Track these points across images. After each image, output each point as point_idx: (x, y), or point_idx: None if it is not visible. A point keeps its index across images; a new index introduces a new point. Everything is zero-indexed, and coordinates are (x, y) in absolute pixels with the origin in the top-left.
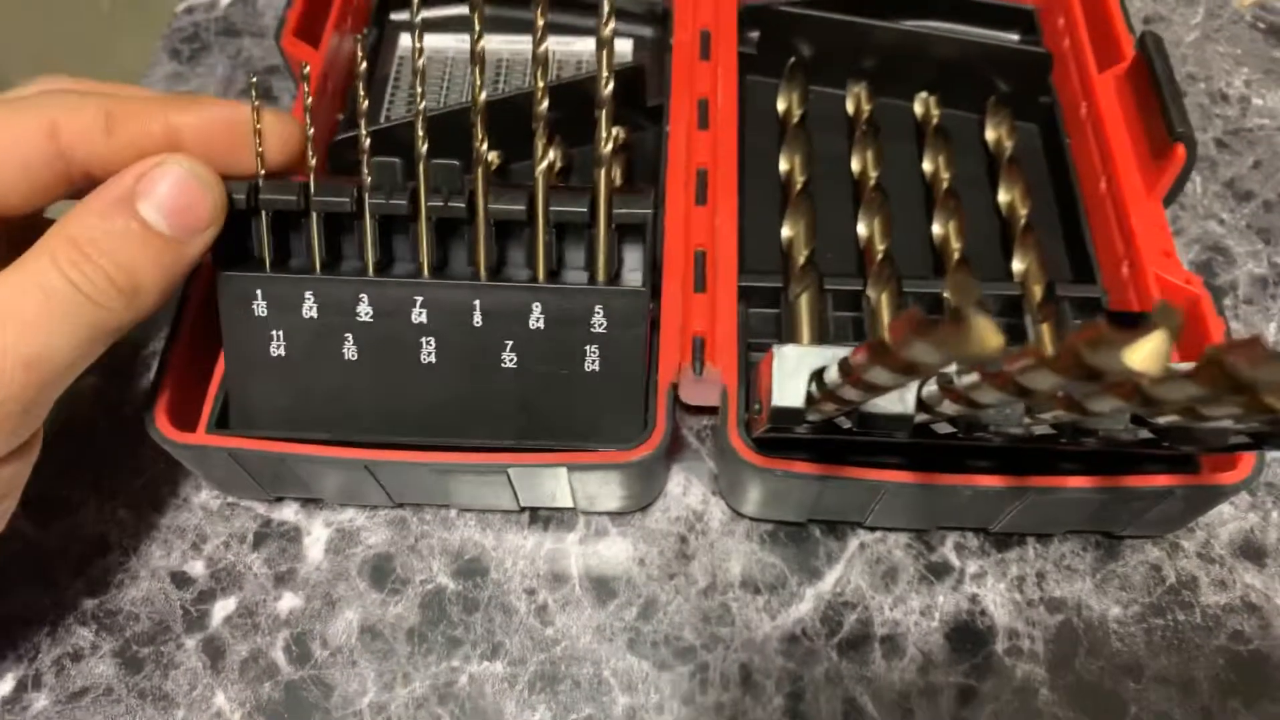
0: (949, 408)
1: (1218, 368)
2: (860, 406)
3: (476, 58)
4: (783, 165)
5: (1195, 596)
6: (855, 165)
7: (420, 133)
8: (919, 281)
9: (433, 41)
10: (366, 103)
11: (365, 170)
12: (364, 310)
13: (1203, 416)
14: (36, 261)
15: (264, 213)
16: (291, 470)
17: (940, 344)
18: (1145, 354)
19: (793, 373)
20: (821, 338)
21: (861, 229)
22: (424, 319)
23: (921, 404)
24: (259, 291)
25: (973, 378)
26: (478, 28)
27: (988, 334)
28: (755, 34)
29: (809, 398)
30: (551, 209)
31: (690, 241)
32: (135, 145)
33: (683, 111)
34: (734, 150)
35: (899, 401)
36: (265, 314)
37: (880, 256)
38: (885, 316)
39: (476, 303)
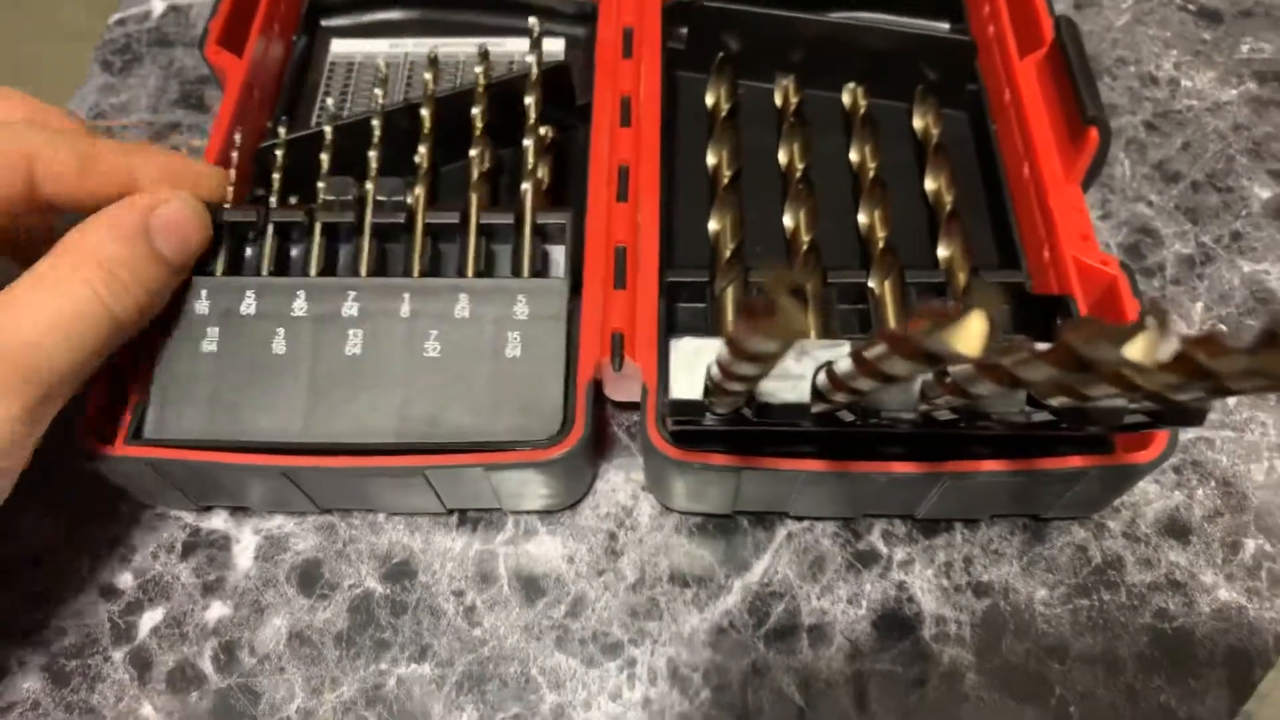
0: (840, 396)
1: (1066, 348)
2: (757, 397)
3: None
4: (710, 159)
5: (1121, 576)
6: (783, 157)
7: (374, 149)
8: (845, 272)
9: (364, 46)
10: (330, 132)
11: (321, 185)
12: (299, 306)
13: (1084, 396)
14: (68, 282)
15: (223, 228)
16: (215, 479)
17: (758, 332)
18: (965, 336)
19: (690, 365)
20: None
21: (788, 220)
22: (354, 312)
23: (817, 392)
24: (204, 291)
25: (846, 365)
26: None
27: (793, 321)
28: (684, 30)
29: (707, 389)
30: (482, 221)
31: (611, 238)
32: (104, 187)
33: (605, 109)
34: (656, 146)
35: (793, 390)
36: (206, 311)
37: (805, 248)
38: (810, 305)
39: (406, 295)
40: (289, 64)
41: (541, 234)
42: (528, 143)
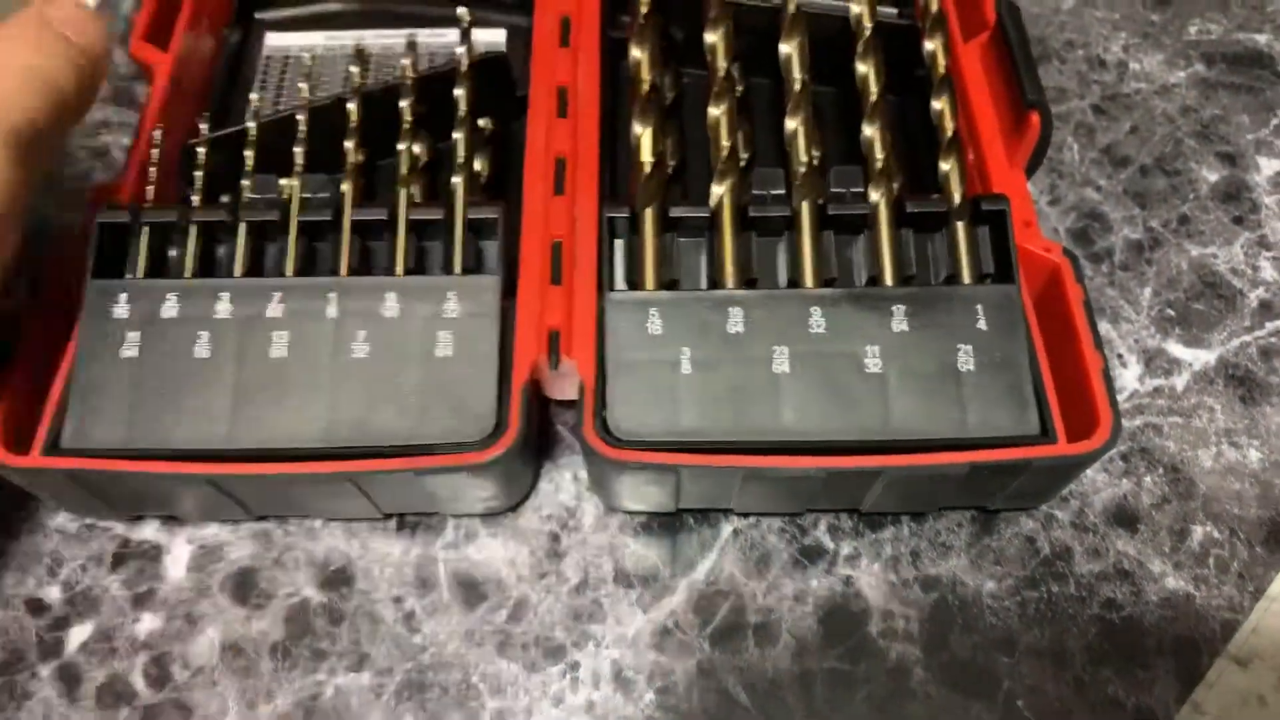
0: None
1: None
2: None
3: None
4: (633, 55)
5: (1069, 567)
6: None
7: (300, 144)
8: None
9: (299, 39)
10: (254, 129)
11: (245, 183)
12: (223, 308)
13: None
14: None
15: (143, 228)
16: (139, 489)
17: None
18: None
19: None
20: None
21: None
22: (280, 314)
23: None
24: (124, 295)
25: None
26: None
27: None
28: (626, 18)
29: None
30: (411, 217)
31: (549, 233)
32: None
33: (542, 100)
34: (595, 137)
35: None
36: (125, 315)
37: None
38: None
39: (332, 295)
40: (220, 58)
41: (475, 229)
42: (458, 135)
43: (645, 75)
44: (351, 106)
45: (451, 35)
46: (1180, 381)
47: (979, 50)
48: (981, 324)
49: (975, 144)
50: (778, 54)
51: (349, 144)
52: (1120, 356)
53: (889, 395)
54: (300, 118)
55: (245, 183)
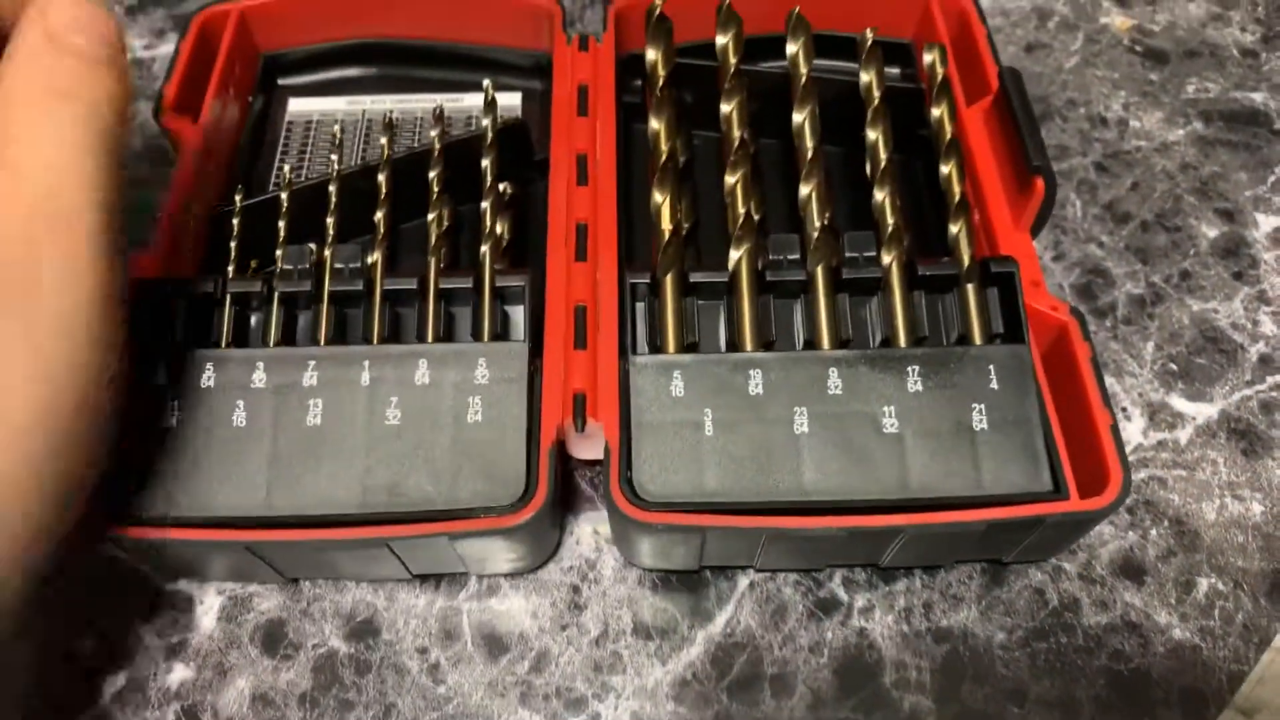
0: None
1: None
2: None
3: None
4: (652, 125)
5: (1077, 618)
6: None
7: (331, 214)
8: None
9: (322, 105)
10: (286, 199)
11: (279, 254)
12: (258, 377)
13: None
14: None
15: (180, 301)
16: (179, 557)
17: None
18: None
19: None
20: None
21: (729, 179)
22: (314, 382)
23: None
24: (162, 366)
25: None
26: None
27: None
28: (639, 82)
29: None
30: (441, 285)
31: (571, 298)
32: None
33: (562, 168)
34: (614, 204)
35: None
36: (164, 382)
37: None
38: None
39: (366, 363)
40: (246, 124)
41: (501, 296)
42: (485, 205)
43: (664, 145)
44: (382, 177)
45: (468, 100)
46: (1184, 435)
47: (982, 114)
48: (994, 384)
49: (981, 206)
50: (785, 116)
51: (379, 213)
52: (1124, 410)
53: (906, 454)
54: (331, 188)
55: (278, 253)
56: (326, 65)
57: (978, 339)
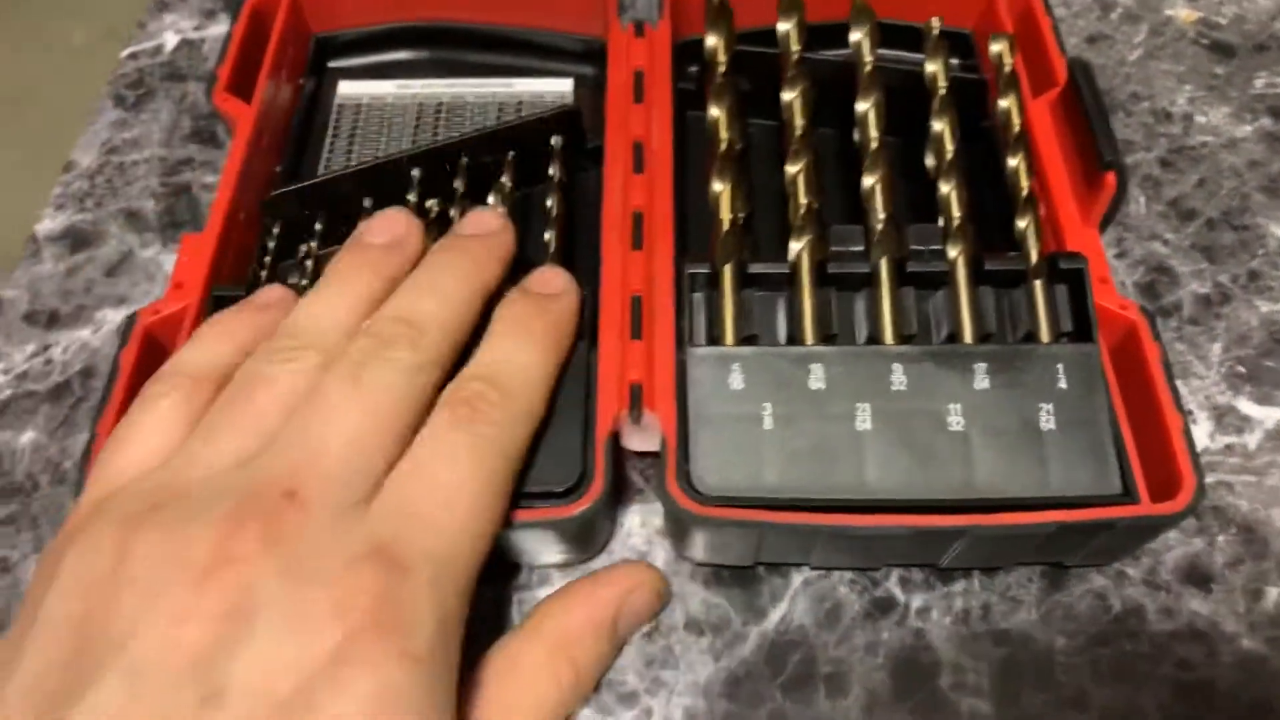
0: None
1: None
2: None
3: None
4: (712, 113)
5: (1141, 625)
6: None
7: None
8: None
9: (371, 88)
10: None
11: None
12: None
13: None
14: (540, 672)
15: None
16: None
17: None
18: None
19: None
20: None
21: (790, 168)
22: None
23: None
24: None
25: None
26: None
27: None
28: (694, 69)
29: None
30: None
31: (627, 288)
32: None
33: (618, 155)
34: (670, 192)
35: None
36: None
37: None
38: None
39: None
40: (297, 107)
41: None
42: (548, 236)
43: (724, 133)
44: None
45: (519, 85)
46: (1252, 440)
47: (1048, 106)
48: (1062, 383)
49: (1047, 201)
50: (843, 105)
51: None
52: (1190, 413)
53: (972, 453)
54: (415, 171)
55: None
56: (377, 48)
57: (1045, 336)
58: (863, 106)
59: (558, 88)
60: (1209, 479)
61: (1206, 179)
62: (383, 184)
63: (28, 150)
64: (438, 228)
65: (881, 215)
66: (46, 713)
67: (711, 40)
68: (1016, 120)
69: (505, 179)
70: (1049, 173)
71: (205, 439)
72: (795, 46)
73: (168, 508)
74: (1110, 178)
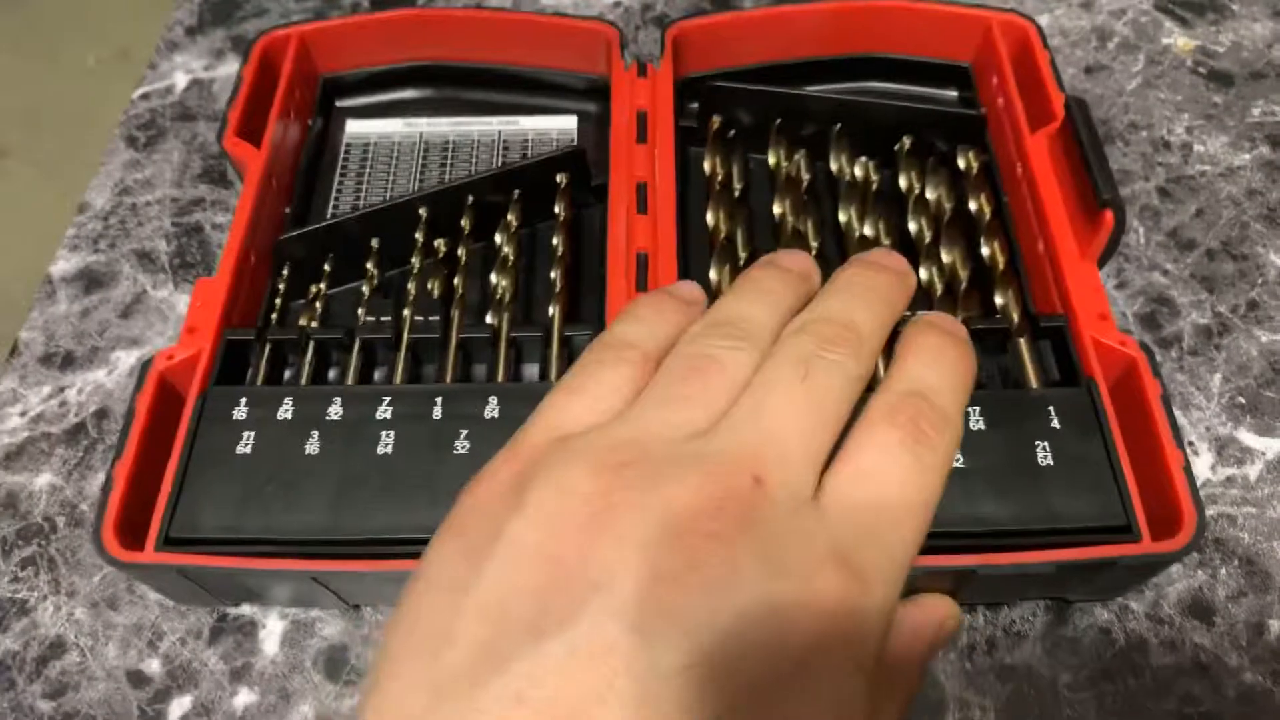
0: None
1: None
2: None
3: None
4: (709, 218)
5: (1145, 659)
6: (776, 209)
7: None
8: None
9: (379, 127)
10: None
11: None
12: (334, 411)
13: None
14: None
15: (266, 344)
16: (244, 583)
17: None
18: None
19: None
20: None
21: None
22: (388, 415)
23: None
24: (244, 399)
25: None
26: None
27: None
28: (694, 105)
29: None
30: (511, 334)
31: None
32: None
33: (621, 196)
34: (673, 232)
35: None
36: (243, 416)
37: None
38: None
39: (439, 399)
40: (305, 146)
41: (568, 344)
42: (554, 274)
43: (723, 227)
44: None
45: (524, 123)
46: (1253, 471)
47: (1046, 140)
48: (1054, 423)
49: (1045, 236)
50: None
51: (455, 246)
52: (1191, 444)
53: (975, 488)
54: (422, 210)
55: (360, 310)
56: (384, 87)
57: (1033, 385)
58: (844, 216)
59: (562, 124)
60: (1210, 512)
61: (1205, 208)
62: (390, 225)
63: (42, 170)
64: (445, 266)
65: None
66: (510, 635)
67: (709, 165)
68: (988, 210)
69: (511, 217)
70: (1046, 207)
71: (660, 406)
72: (785, 168)
73: (636, 465)
74: (1108, 215)
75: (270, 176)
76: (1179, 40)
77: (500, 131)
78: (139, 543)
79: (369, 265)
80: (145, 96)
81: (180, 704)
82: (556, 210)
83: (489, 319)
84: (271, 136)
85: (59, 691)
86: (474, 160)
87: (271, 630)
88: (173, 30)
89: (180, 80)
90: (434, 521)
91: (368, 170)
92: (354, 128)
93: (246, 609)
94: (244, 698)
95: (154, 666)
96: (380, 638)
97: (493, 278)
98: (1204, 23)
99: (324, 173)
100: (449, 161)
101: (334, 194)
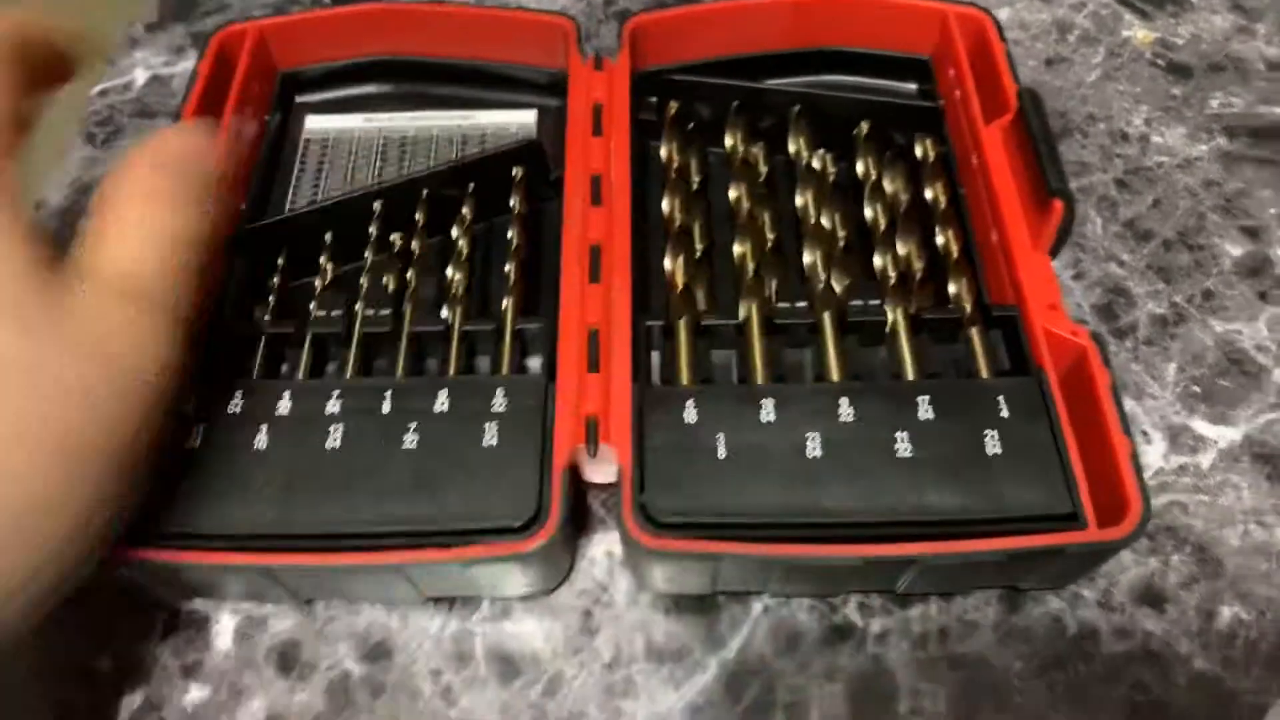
0: None
1: None
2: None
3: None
4: (664, 207)
5: (1096, 647)
6: (732, 194)
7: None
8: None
9: (338, 122)
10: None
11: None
12: (284, 406)
13: None
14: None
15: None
16: (194, 578)
17: None
18: None
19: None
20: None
21: (737, 249)
22: (336, 409)
23: None
24: (193, 394)
25: None
26: None
27: None
28: (653, 99)
29: None
30: (464, 328)
31: (585, 321)
32: None
33: (577, 188)
34: (628, 225)
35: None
36: (190, 411)
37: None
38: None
39: (388, 393)
40: (263, 142)
41: (521, 337)
42: (509, 268)
43: (678, 217)
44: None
45: (483, 117)
46: (1206, 459)
47: (1000, 132)
48: (1004, 412)
49: (999, 226)
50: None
51: (410, 239)
52: (1145, 433)
53: (922, 477)
54: (377, 205)
55: (312, 305)
56: (343, 82)
57: (984, 375)
58: (800, 200)
59: (521, 119)
60: (1163, 499)
61: (1162, 199)
62: (345, 219)
63: None
64: (399, 261)
65: (823, 279)
66: None
67: (665, 150)
68: (943, 199)
69: (466, 211)
70: (1000, 198)
71: None
72: (740, 151)
73: None
74: (1058, 205)
75: (225, 172)
76: (1139, 33)
77: (459, 126)
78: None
79: (322, 260)
80: (104, 93)
81: (131, 701)
82: (512, 204)
83: (444, 313)
84: (228, 131)
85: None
86: (432, 155)
87: (224, 626)
88: (133, 26)
89: (140, 77)
90: (383, 515)
91: (326, 166)
92: (313, 123)
93: (199, 605)
94: (195, 694)
95: (104, 663)
96: (331, 633)
97: (448, 271)
98: (1164, 15)
99: (283, 168)
100: (407, 157)
101: (291, 188)
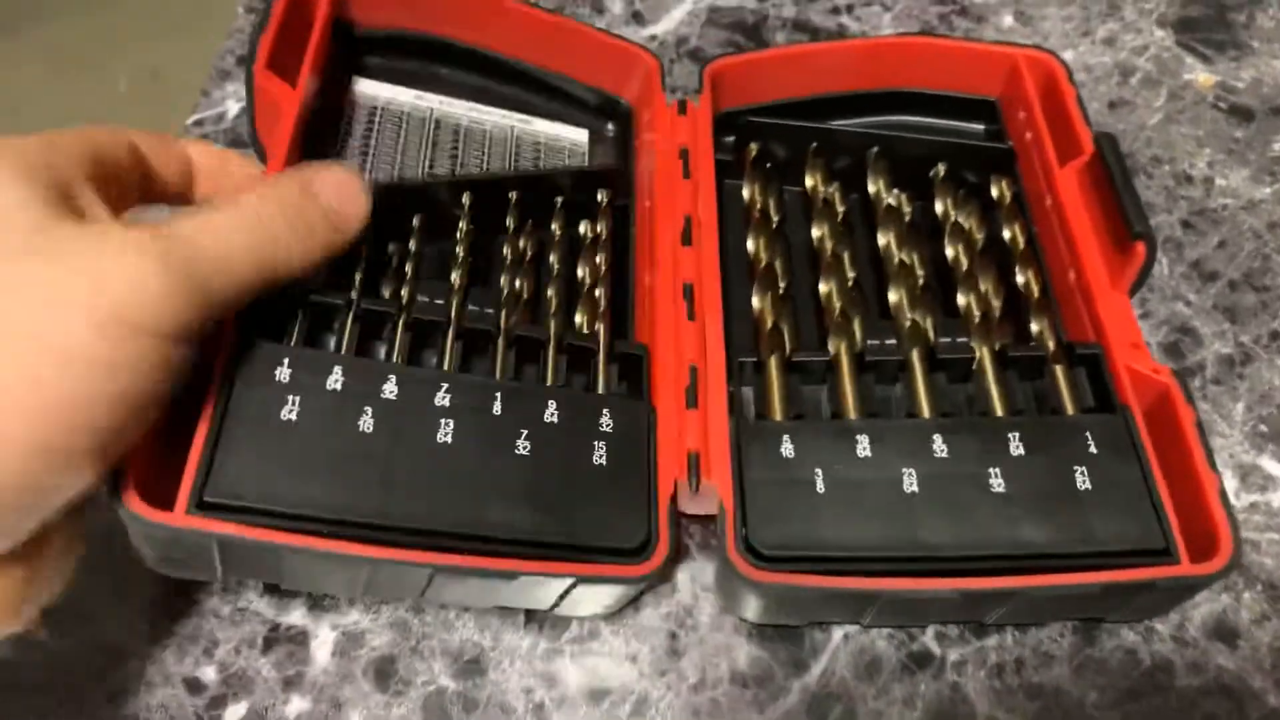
0: None
1: None
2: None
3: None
4: (749, 246)
5: (1170, 680)
6: (815, 232)
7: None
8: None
9: (388, 91)
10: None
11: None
12: (390, 389)
13: None
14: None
15: (304, 308)
16: (284, 561)
17: None
18: None
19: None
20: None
21: (823, 288)
22: (446, 403)
23: None
24: (286, 359)
25: None
26: None
27: None
28: (730, 139)
29: None
30: (566, 341)
31: (683, 358)
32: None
33: (667, 228)
34: (717, 265)
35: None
36: (287, 380)
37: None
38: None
39: (498, 394)
40: (318, 97)
41: (619, 358)
42: (598, 293)
43: (763, 256)
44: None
45: (537, 124)
46: (1276, 498)
47: (1075, 175)
48: (1092, 448)
49: (1077, 267)
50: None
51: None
52: None
53: (1015, 512)
54: (466, 198)
55: (403, 291)
56: (405, 53)
57: (1070, 411)
58: (883, 240)
59: (574, 136)
60: None
61: (1227, 240)
62: (429, 202)
63: None
64: (471, 259)
65: (909, 318)
66: None
67: (747, 191)
68: (1021, 240)
69: (555, 225)
70: (1077, 240)
71: None
72: (821, 192)
73: None
74: (1140, 247)
75: (305, 123)
76: (1200, 76)
77: (514, 128)
78: (166, 504)
79: (412, 244)
80: (199, 123)
81: (236, 710)
82: (599, 229)
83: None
84: (306, 78)
85: (119, 696)
86: (486, 152)
87: (322, 640)
88: (223, 60)
89: (233, 108)
90: (493, 520)
91: (374, 137)
92: (363, 87)
93: (298, 619)
94: (296, 705)
95: (210, 674)
96: (426, 649)
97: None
98: (1225, 59)
99: (329, 129)
100: (459, 147)
101: (335, 155)
